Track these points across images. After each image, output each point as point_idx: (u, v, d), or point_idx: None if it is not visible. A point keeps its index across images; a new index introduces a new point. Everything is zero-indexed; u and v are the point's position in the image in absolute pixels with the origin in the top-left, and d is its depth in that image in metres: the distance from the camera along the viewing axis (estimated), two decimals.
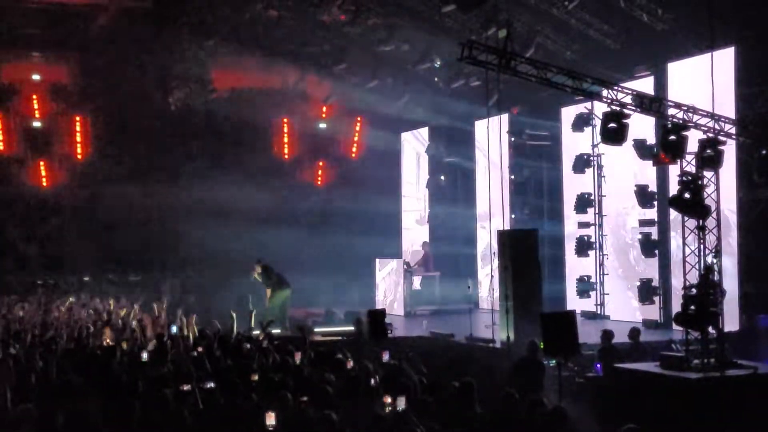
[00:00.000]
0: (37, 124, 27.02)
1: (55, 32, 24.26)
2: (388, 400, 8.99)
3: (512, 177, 22.69)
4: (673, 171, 14.83)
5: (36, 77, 26.87)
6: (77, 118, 27.34)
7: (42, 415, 8.16)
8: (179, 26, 23.47)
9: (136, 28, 23.85)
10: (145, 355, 12.36)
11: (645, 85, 17.76)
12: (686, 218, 13.24)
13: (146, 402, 8.82)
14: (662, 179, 18.22)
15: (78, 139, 27.39)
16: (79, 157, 27.50)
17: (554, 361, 12.29)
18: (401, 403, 8.80)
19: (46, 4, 23.58)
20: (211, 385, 9.30)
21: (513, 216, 22.07)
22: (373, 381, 9.97)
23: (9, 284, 24.77)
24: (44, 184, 27.23)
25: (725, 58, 16.57)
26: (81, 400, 8.86)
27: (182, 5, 22.31)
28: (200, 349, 13.13)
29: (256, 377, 10.27)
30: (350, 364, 11.49)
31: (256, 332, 15.69)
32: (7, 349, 12.93)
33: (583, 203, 20.77)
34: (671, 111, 13.60)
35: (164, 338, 14.10)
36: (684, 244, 13.30)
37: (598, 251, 20.65)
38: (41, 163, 27.17)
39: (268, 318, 16.92)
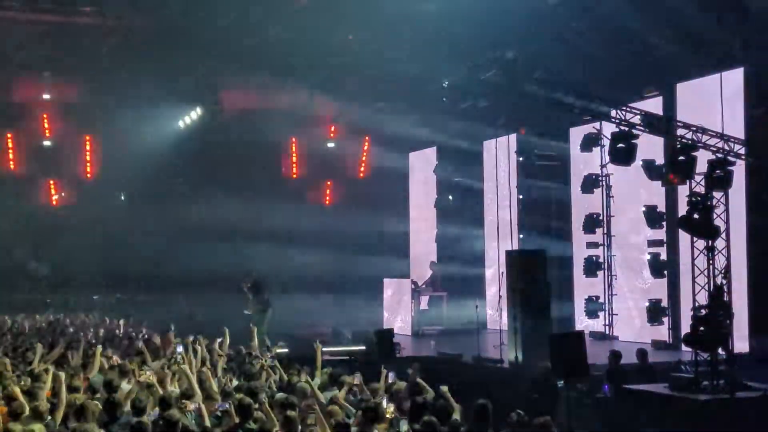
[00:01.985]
0: (47, 143, 27.18)
1: (66, 52, 24.41)
2: (392, 408, 9.00)
3: (520, 197, 22.67)
4: (683, 192, 14.80)
5: (46, 97, 27.03)
6: (87, 138, 27.49)
7: None
8: (189, 47, 23.58)
9: (146, 49, 23.99)
10: (152, 377, 12.33)
11: (654, 105, 17.77)
12: (695, 239, 13.21)
13: (153, 422, 8.80)
14: (671, 200, 18.17)
15: (87, 158, 27.53)
16: (89, 176, 27.63)
17: (562, 382, 12.25)
18: (404, 427, 8.80)
19: (56, 25, 23.73)
20: (226, 406, 9.28)
21: (521, 236, 22.04)
22: (384, 402, 9.92)
23: (18, 302, 24.82)
24: (54, 203, 27.35)
25: (734, 78, 16.58)
26: (89, 420, 8.84)
27: (192, 26, 22.41)
28: (206, 369, 13.09)
29: (263, 396, 10.24)
30: (357, 381, 11.45)
31: (264, 350, 15.66)
32: (17, 368, 12.93)
33: (591, 223, 20.72)
34: (680, 131, 13.60)
35: (172, 358, 14.06)
36: (693, 265, 13.26)
37: (606, 271, 20.58)
38: (51, 182, 27.31)
39: (262, 336, 17.06)
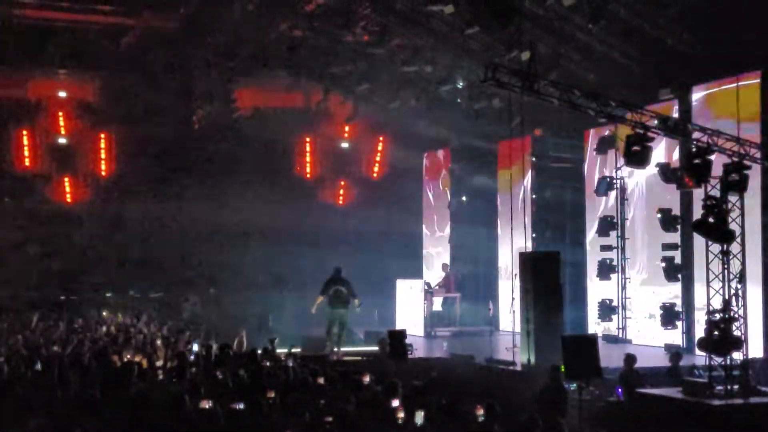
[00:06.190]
0: (62, 140, 27.29)
1: (82, 50, 24.51)
2: (401, 414, 8.99)
3: (534, 199, 22.62)
4: (698, 195, 14.74)
5: (62, 94, 27.14)
6: (102, 135, 27.59)
7: (59, 430, 8.16)
8: (204, 45, 23.63)
9: (162, 47, 24.05)
10: (161, 373, 12.38)
11: (670, 108, 17.70)
12: (710, 243, 13.15)
13: (166, 419, 8.82)
14: (686, 203, 18.09)
15: (102, 156, 27.63)
16: (103, 173, 27.73)
17: (575, 385, 12.22)
18: (419, 418, 8.79)
19: (73, 23, 23.83)
20: (240, 406, 9.28)
21: (534, 238, 21.98)
22: (396, 402, 9.92)
23: (31, 300, 24.89)
24: (68, 200, 27.45)
25: (751, 82, 16.49)
26: (100, 416, 8.87)
27: (208, 25, 22.47)
28: (221, 366, 13.13)
29: (272, 394, 10.26)
30: (367, 379, 11.46)
31: (282, 351, 15.69)
32: (30, 365, 13.00)
33: (605, 226, 20.67)
34: (696, 134, 13.54)
35: (185, 355, 14.12)
36: (708, 269, 13.21)
37: (620, 274, 20.52)
38: (66, 179, 27.41)
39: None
